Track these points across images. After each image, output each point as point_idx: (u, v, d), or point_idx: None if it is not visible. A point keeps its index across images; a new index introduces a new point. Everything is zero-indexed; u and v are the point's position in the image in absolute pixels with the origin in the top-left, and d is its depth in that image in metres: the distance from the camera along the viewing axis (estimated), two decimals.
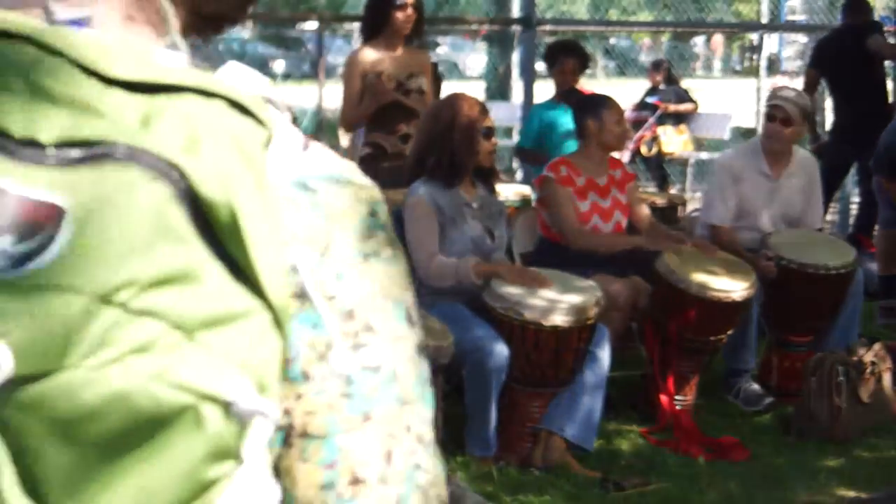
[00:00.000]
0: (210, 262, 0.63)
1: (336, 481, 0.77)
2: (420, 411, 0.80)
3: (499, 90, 11.08)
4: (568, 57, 6.92)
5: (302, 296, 0.73)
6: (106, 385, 0.60)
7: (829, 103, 8.52)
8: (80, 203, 0.61)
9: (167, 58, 0.69)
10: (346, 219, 0.78)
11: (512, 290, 4.36)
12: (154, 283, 0.61)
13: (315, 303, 0.72)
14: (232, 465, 0.65)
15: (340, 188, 0.78)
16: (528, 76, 9.06)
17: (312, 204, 0.76)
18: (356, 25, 7.47)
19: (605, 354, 4.40)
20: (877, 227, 7.36)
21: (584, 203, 5.09)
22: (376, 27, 5.61)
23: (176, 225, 0.62)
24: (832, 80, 7.99)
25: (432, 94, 5.71)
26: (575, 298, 4.35)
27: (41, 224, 0.60)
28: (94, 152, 0.62)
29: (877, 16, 8.87)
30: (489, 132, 4.52)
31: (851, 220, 8.57)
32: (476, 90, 10.12)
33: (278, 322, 0.66)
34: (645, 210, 5.29)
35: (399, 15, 5.52)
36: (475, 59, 19.49)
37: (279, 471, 0.76)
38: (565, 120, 6.70)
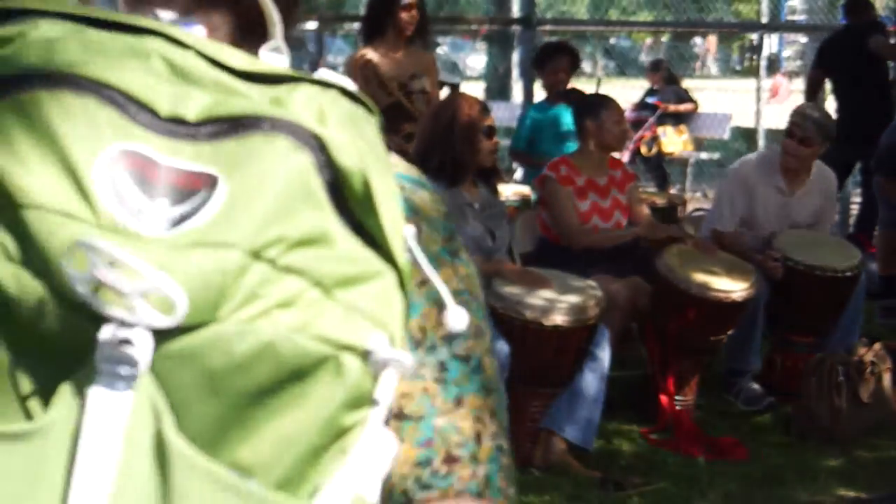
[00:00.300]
0: (341, 228, 0.68)
1: (432, 459, 0.83)
2: (500, 400, 0.87)
3: (499, 90, 11.09)
4: (559, 58, 6.91)
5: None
6: (255, 337, 0.64)
7: (829, 103, 8.51)
8: (231, 169, 0.66)
9: (272, 59, 0.74)
10: (429, 215, 0.86)
11: (513, 290, 4.36)
12: (297, 243, 0.66)
13: (426, 271, 0.76)
14: (367, 413, 0.68)
15: (420, 189, 0.85)
16: (528, 76, 9.06)
17: (402, 198, 0.80)
18: (356, 26, 7.47)
19: (605, 355, 4.40)
20: (877, 227, 7.37)
21: (583, 203, 5.09)
22: (379, 28, 5.59)
23: (316, 191, 0.67)
24: (835, 80, 7.99)
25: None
26: (575, 299, 4.35)
27: (195, 190, 0.65)
28: (240, 125, 0.67)
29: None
30: (490, 131, 4.52)
31: (852, 220, 8.57)
32: (476, 90, 10.12)
33: (402, 284, 0.70)
34: (645, 210, 5.30)
35: (404, 15, 5.51)
36: (475, 59, 19.49)
37: None
38: (557, 121, 6.71)
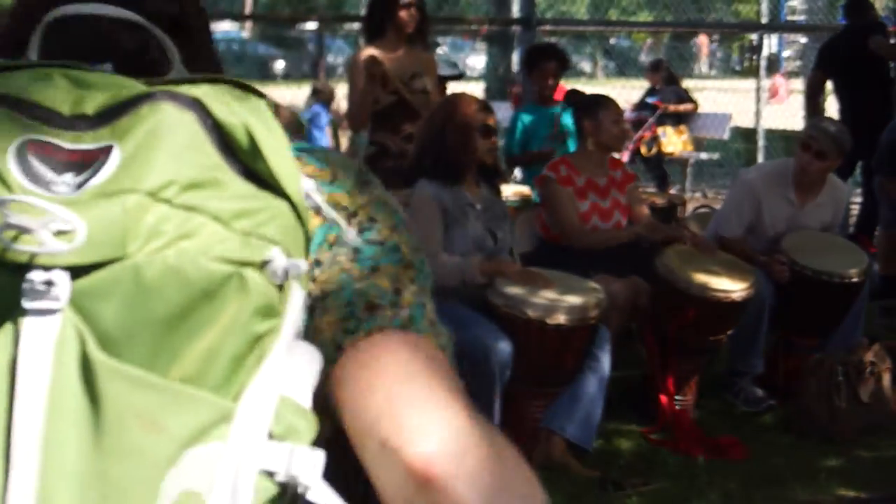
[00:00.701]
0: (232, 173, 0.80)
1: (355, 311, 0.93)
2: (422, 277, 0.98)
3: (499, 90, 11.08)
4: (547, 61, 6.89)
5: (319, 211, 0.92)
6: (162, 264, 0.76)
7: (830, 104, 8.52)
8: (123, 136, 0.78)
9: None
10: (343, 165, 1.00)
11: (516, 289, 4.36)
12: (190, 185, 0.78)
13: (323, 208, 0.89)
14: (278, 322, 0.80)
15: (333, 153, 1.01)
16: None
17: (314, 158, 0.98)
18: (356, 26, 7.47)
19: (605, 355, 4.40)
20: (878, 227, 7.37)
21: (583, 203, 5.10)
22: (380, 27, 5.60)
23: (202, 143, 0.79)
24: (836, 81, 7.99)
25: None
26: (578, 299, 4.36)
27: (92, 161, 0.78)
28: (130, 104, 0.80)
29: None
30: (487, 130, 4.50)
31: (852, 220, 8.58)
32: (476, 90, 10.12)
33: (299, 214, 0.83)
34: (645, 210, 5.29)
35: (403, 14, 5.52)
36: (475, 59, 19.49)
37: (309, 335, 0.92)
38: (551, 122, 6.71)
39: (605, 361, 4.40)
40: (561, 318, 4.28)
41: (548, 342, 4.28)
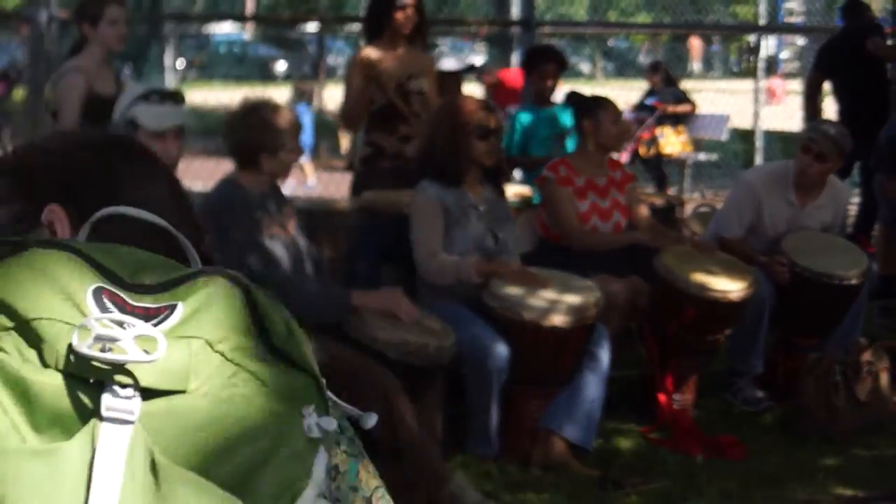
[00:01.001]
0: (262, 348, 0.93)
1: None
2: None
3: None
4: (546, 63, 6.91)
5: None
6: (216, 404, 0.89)
7: (829, 105, 8.53)
8: (185, 297, 0.93)
9: None
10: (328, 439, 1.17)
11: (511, 291, 4.38)
12: (238, 346, 0.92)
13: (338, 402, 1.02)
14: (309, 470, 0.92)
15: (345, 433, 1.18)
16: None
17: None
18: (357, 27, 7.48)
19: (604, 354, 4.41)
20: (876, 226, 7.38)
21: (582, 203, 5.12)
22: (378, 28, 5.63)
23: (244, 314, 0.94)
24: (835, 82, 8.01)
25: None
26: (574, 299, 4.37)
27: (157, 314, 0.91)
28: (186, 278, 0.95)
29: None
30: (484, 132, 4.50)
31: (850, 221, 8.59)
32: (476, 91, 10.14)
33: (320, 388, 0.96)
34: (644, 210, 5.31)
35: (399, 15, 5.54)
36: (475, 60, 19.50)
37: None
38: (550, 123, 6.72)
39: (604, 360, 4.42)
40: (557, 320, 4.30)
41: (545, 343, 4.30)
